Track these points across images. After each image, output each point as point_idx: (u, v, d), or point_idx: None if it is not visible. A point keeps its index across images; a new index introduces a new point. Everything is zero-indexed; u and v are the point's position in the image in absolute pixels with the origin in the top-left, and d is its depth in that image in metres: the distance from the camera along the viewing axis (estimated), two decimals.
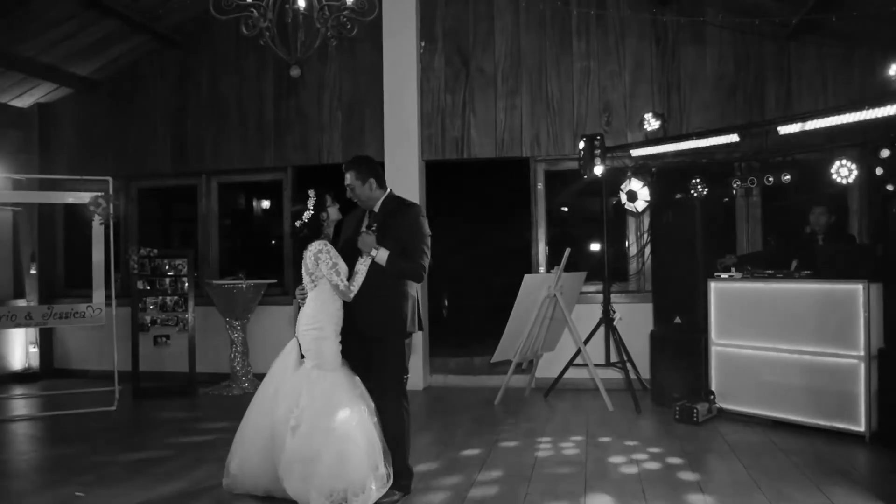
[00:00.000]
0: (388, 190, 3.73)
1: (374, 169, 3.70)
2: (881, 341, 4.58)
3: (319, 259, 3.51)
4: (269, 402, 3.61)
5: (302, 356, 3.64)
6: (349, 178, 3.64)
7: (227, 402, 6.24)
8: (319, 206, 3.60)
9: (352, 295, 3.53)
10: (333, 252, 3.54)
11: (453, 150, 6.85)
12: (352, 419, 3.45)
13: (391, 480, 3.46)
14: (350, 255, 3.59)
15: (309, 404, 3.46)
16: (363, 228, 3.62)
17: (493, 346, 5.86)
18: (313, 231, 3.59)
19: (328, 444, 3.39)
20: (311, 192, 3.61)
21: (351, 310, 3.60)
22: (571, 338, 5.93)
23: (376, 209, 3.68)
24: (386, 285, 3.55)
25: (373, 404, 3.55)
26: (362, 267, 3.52)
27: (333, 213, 3.66)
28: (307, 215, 3.59)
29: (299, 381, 3.55)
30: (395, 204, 3.70)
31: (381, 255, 3.48)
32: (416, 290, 3.70)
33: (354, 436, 3.43)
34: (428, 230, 3.64)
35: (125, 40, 7.18)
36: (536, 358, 6.26)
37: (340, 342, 3.60)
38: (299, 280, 3.68)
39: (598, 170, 5.92)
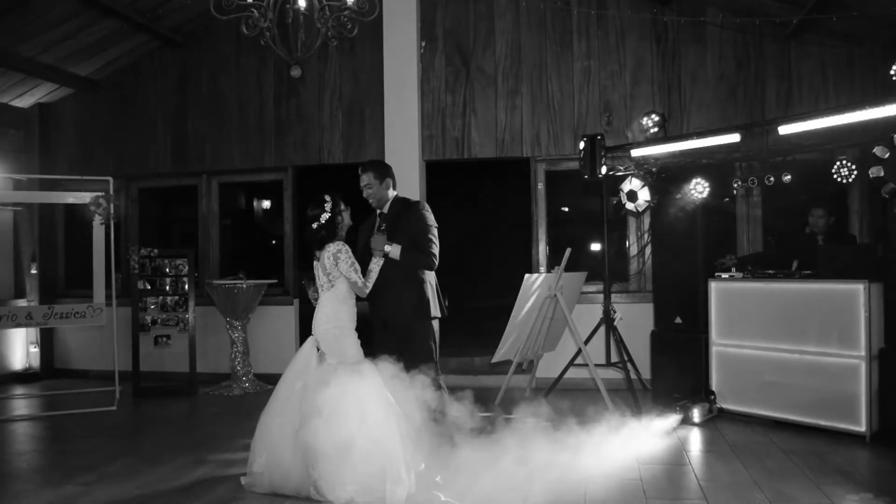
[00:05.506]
0: (395, 192, 4.12)
1: (389, 171, 4.12)
2: (882, 341, 4.59)
3: (339, 258, 3.71)
4: (297, 397, 3.66)
5: (320, 353, 3.75)
6: (368, 178, 4.04)
7: (228, 402, 6.24)
8: (335, 210, 3.82)
9: (367, 291, 3.81)
10: (350, 251, 3.78)
11: (454, 150, 6.85)
12: (382, 408, 3.55)
13: (422, 467, 3.60)
14: (367, 260, 3.90)
15: (339, 394, 3.55)
16: (375, 231, 3.95)
17: (493, 346, 5.85)
18: (330, 233, 3.80)
19: (361, 432, 3.47)
20: (328, 197, 3.83)
21: (376, 304, 3.93)
22: (572, 338, 5.92)
23: (385, 210, 4.06)
24: (403, 277, 3.92)
25: (393, 400, 3.64)
26: (375, 266, 3.85)
27: (347, 217, 3.89)
28: (325, 218, 3.79)
29: (326, 374, 3.65)
30: (402, 204, 4.08)
31: (395, 250, 3.85)
32: (433, 278, 4.03)
33: (386, 424, 3.51)
34: (433, 222, 4.01)
35: (125, 40, 7.18)
36: (537, 358, 6.26)
37: (371, 335, 3.85)
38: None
39: (602, 169, 5.91)
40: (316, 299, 3.85)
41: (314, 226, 3.79)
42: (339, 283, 3.74)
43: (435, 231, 3.99)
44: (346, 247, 3.76)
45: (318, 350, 3.76)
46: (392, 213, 4.03)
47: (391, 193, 4.08)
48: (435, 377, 3.91)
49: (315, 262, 3.83)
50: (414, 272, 3.94)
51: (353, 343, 3.74)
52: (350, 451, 3.43)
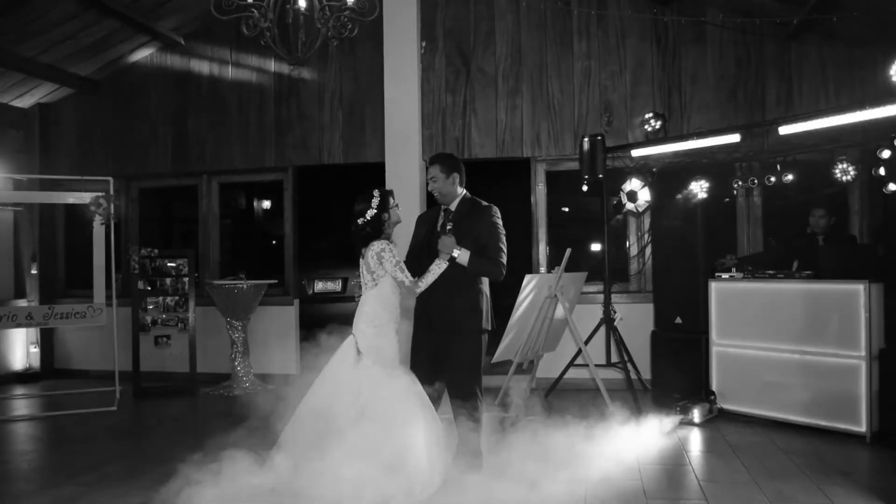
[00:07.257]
0: (465, 191, 3.87)
1: (458, 165, 3.86)
2: (882, 341, 4.59)
3: (383, 258, 3.57)
4: (328, 398, 3.54)
5: (359, 352, 3.63)
6: (434, 171, 3.81)
7: (228, 403, 6.23)
8: (383, 207, 3.66)
9: (418, 291, 3.62)
10: (395, 250, 3.62)
11: (454, 151, 6.83)
12: (411, 419, 3.44)
13: (440, 481, 3.49)
14: (422, 256, 3.70)
15: (370, 400, 3.45)
16: (439, 229, 3.73)
17: (493, 347, 5.85)
18: (375, 230, 3.64)
19: (387, 441, 3.36)
20: (376, 192, 3.67)
21: (426, 306, 3.72)
22: (572, 338, 5.92)
23: (452, 207, 3.83)
24: (463, 283, 3.67)
25: (430, 404, 3.56)
26: (437, 268, 3.61)
27: (395, 214, 3.72)
28: (370, 214, 3.63)
29: (360, 377, 3.54)
30: (471, 205, 3.83)
31: (464, 255, 3.60)
32: (488, 288, 3.81)
33: (413, 434, 3.41)
34: (503, 230, 3.77)
35: (125, 40, 7.18)
36: (537, 358, 6.25)
37: (412, 336, 3.69)
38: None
39: (602, 170, 5.90)
40: (359, 296, 3.70)
41: (359, 222, 3.63)
42: (383, 281, 3.60)
43: (504, 239, 3.76)
44: (390, 245, 3.61)
45: (358, 351, 3.62)
46: (459, 213, 3.80)
47: (459, 190, 3.85)
48: (476, 394, 3.69)
49: (360, 260, 3.69)
50: (473, 280, 3.71)
51: (391, 344, 3.61)
52: (375, 459, 3.32)
